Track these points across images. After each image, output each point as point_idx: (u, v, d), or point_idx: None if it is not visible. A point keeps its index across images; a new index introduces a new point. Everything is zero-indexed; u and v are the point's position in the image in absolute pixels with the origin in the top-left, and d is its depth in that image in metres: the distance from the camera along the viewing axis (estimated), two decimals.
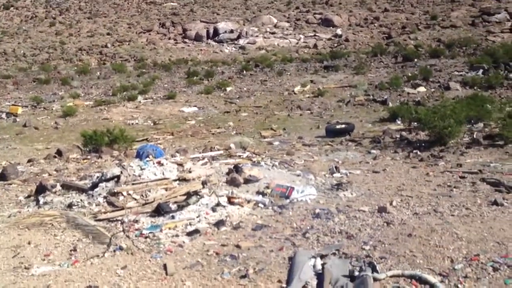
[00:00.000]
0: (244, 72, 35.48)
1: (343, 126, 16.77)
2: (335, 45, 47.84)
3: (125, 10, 67.26)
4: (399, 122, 17.54)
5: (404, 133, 14.63)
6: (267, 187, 8.36)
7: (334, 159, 11.78)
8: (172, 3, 68.11)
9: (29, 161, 14.84)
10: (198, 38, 55.14)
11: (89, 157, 14.82)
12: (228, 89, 28.94)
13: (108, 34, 58.29)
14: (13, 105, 26.85)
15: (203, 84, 31.66)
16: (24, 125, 22.51)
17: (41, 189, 9.02)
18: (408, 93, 23.27)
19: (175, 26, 59.29)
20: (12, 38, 59.40)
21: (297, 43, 50.19)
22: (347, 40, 48.71)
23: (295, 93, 26.68)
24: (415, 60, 32.73)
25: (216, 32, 55.28)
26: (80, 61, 49.36)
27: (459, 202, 7.22)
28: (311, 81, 29.22)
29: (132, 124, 22.17)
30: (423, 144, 12.78)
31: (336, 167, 10.20)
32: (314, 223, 6.59)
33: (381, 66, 32.70)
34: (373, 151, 12.72)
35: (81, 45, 54.84)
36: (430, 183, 8.73)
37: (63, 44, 55.69)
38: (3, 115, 24.66)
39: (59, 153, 15.97)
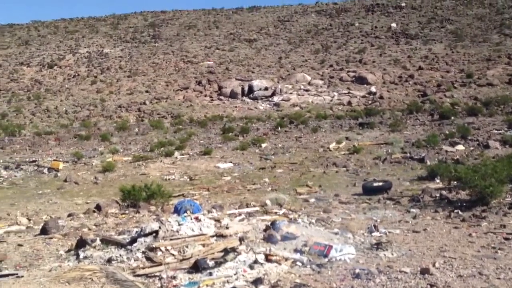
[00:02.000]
0: (279, 128, 35.81)
1: (380, 183, 16.50)
2: (370, 102, 48.01)
3: (163, 69, 69.45)
4: (438, 180, 17.15)
5: (444, 192, 14.27)
6: (305, 245, 8.27)
7: (373, 217, 11.57)
8: (208, 62, 70.05)
9: (69, 215, 15.10)
10: (233, 95, 56.23)
11: (127, 212, 14.98)
12: (263, 145, 29.15)
13: (146, 91, 60.07)
14: (54, 160, 27.59)
15: (238, 140, 32.02)
16: (65, 180, 23.01)
17: (81, 244, 9.16)
18: (446, 151, 22.95)
19: (211, 83, 60.72)
20: (55, 96, 61.78)
21: (331, 100, 50.59)
22: (381, 97, 48.87)
23: (330, 150, 26.66)
24: (452, 118, 32.46)
25: (251, 89, 56.32)
26: (119, 117, 50.80)
27: (505, 265, 6.98)
28: (346, 138, 29.22)
29: (169, 179, 22.41)
30: (464, 204, 12.43)
31: (375, 226, 10.02)
32: (354, 284, 6.45)
33: (417, 124, 32.54)
34: (412, 210, 12.43)
35: (121, 102, 56.58)
36: (474, 244, 8.47)
37: (103, 101, 57.57)
38: (45, 170, 25.31)
39: (98, 207, 16.24)
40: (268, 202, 14.04)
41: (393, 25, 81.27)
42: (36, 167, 26.09)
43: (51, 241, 10.42)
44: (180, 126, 42.43)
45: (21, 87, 66.81)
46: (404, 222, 10.96)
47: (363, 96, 50.53)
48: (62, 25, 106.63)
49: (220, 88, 58.53)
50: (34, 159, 28.63)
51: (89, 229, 11.69)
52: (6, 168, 26.01)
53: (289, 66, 65.16)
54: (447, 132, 27.16)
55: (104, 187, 21.98)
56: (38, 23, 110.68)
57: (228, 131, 35.33)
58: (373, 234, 9.58)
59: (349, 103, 48.54)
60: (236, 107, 52.26)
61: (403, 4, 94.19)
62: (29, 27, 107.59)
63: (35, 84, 67.77)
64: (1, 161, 28.40)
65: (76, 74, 70.45)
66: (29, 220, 15.51)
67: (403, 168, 21.04)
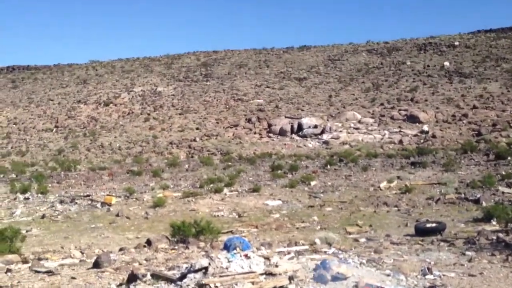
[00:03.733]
0: (328, 166, 35.55)
1: (433, 224, 16.10)
2: (422, 141, 47.11)
3: (213, 106, 70.71)
4: (494, 222, 16.55)
5: (500, 235, 13.71)
6: (356, 286, 8.09)
7: (426, 259, 11.22)
8: (258, 100, 70.86)
9: (120, 249, 15.34)
10: (282, 133, 56.45)
11: (176, 247, 15.09)
12: (312, 183, 28.95)
13: (197, 128, 61.18)
14: (107, 195, 28.30)
15: (287, 178, 31.94)
16: (117, 215, 23.50)
17: (132, 278, 9.26)
18: (503, 193, 22.12)
19: (260, 121, 61.24)
20: (110, 132, 63.82)
21: (381, 139, 49.95)
22: (434, 136, 47.88)
23: (381, 189, 26.19)
24: (508, 158, 31.38)
25: (300, 127, 56.42)
26: (170, 154, 51.79)
27: None
28: (398, 177, 28.67)
29: (218, 216, 22.51)
30: None
31: (428, 268, 9.73)
32: None
33: (472, 164, 31.61)
34: (467, 252, 11.95)
35: (172, 139, 57.78)
36: None
37: (155, 138, 58.97)
38: (98, 205, 25.95)
39: (148, 242, 16.45)
40: (317, 240, 13.86)
41: (446, 63, 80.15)
42: (90, 202, 26.81)
43: (103, 275, 10.59)
44: (229, 163, 42.80)
45: (78, 124, 69.47)
46: (459, 265, 10.58)
47: (415, 135, 49.66)
48: (119, 64, 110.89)
49: (269, 125, 58.94)
50: (88, 193, 29.47)
51: (140, 264, 11.82)
52: (61, 202, 26.85)
53: (339, 104, 65.06)
54: (503, 172, 26.24)
55: (155, 222, 22.28)
56: (96, 62, 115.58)
57: (277, 169, 35.34)
58: (426, 276, 9.32)
59: (401, 141, 47.78)
60: (285, 144, 52.38)
61: (456, 43, 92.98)
62: (88, 66, 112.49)
63: (91, 121, 70.33)
64: (57, 195, 29.37)
65: (131, 112, 72.68)
66: (82, 253, 15.85)
67: (457, 209, 20.41)
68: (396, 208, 21.41)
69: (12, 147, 61.50)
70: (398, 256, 11.53)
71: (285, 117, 60.39)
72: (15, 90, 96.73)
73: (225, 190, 28.74)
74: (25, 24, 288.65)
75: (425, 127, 50.79)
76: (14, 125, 71.93)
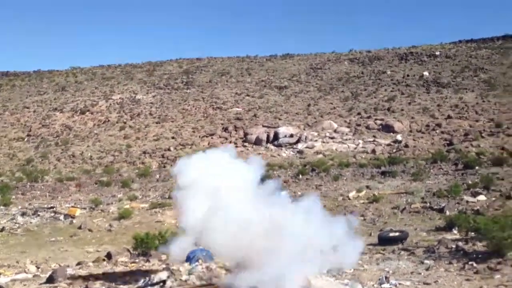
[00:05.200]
0: (300, 176, 35.40)
1: (396, 234, 16.54)
2: (394, 151, 47.24)
3: (192, 115, 70.26)
4: (455, 231, 16.84)
5: (460, 244, 13.96)
6: None
7: (385, 268, 11.52)
8: (237, 109, 70.61)
9: (78, 264, 15.06)
10: (258, 142, 56.20)
11: (137, 260, 14.88)
12: (282, 193, 28.67)
13: (172, 137, 60.63)
14: (72, 207, 27.70)
15: (258, 187, 31.61)
16: (79, 227, 23.04)
17: None
18: (467, 202, 22.28)
19: (237, 130, 60.95)
20: (83, 142, 62.90)
21: (355, 148, 49.98)
22: (406, 146, 48.03)
23: (349, 199, 26.13)
24: (476, 167, 31.58)
25: (276, 136, 56.23)
26: (142, 164, 51.13)
27: None
28: (367, 187, 28.64)
29: (183, 227, 22.12)
30: (479, 255, 12.16)
31: (386, 277, 10.12)
32: None
33: (441, 173, 31.75)
34: (426, 261, 12.27)
35: (146, 148, 57.09)
36: None
37: (129, 147, 58.21)
38: (61, 217, 25.39)
39: (108, 256, 16.09)
40: None
41: (425, 73, 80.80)
42: (53, 214, 26.22)
43: None
44: None
45: (51, 133, 68.40)
46: (416, 274, 10.87)
47: (388, 145, 49.78)
48: (100, 71, 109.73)
49: (245, 134, 58.65)
50: (52, 205, 28.79)
51: (97, 278, 11.59)
52: (23, 214, 26.20)
53: (317, 113, 65.09)
54: (470, 182, 26.37)
55: (118, 234, 21.91)
56: (77, 69, 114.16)
57: None
58: (383, 286, 9.78)
59: (373, 151, 47.85)
60: (259, 154, 52.09)
61: (437, 53, 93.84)
62: (68, 73, 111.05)
63: (65, 130, 69.31)
64: (20, 207, 28.66)
65: (107, 120, 71.86)
66: (38, 268, 15.46)
67: (421, 218, 20.53)
68: (362, 218, 21.34)
69: None
70: (359, 266, 11.57)
71: (262, 126, 60.20)
72: None
73: None
74: (6, 30, 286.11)
75: (399, 137, 50.98)
76: None
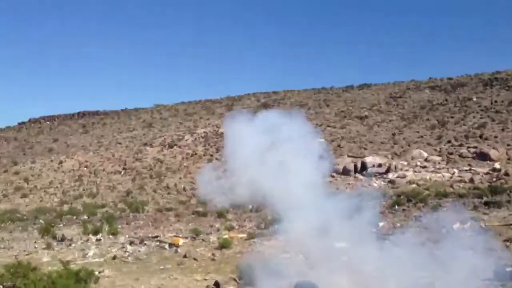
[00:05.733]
0: (396, 207, 34.62)
1: None
2: (494, 179, 45.12)
3: None
4: None
5: None
6: None
7: None
8: (320, 140, 70.51)
9: None
10: (345, 172, 55.69)
11: None
12: (380, 224, 28.17)
13: None
14: (175, 236, 28.76)
15: (354, 218, 31.25)
16: (185, 256, 23.75)
17: None
18: None
19: (322, 161, 60.72)
20: (174, 174, 65.24)
21: (451, 177, 48.26)
22: (507, 174, 45.76)
23: (454, 230, 25.12)
24: None
25: (363, 166, 55.52)
26: (233, 195, 52.02)
27: None
28: (471, 218, 27.42)
29: (284, 257, 22.26)
30: None
31: None
32: None
33: None
34: None
35: (235, 180, 58.15)
36: None
37: (219, 178, 59.53)
38: (166, 246, 26.36)
39: (217, 284, 16.52)
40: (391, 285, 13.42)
41: None
42: (158, 243, 27.29)
43: None
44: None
45: (144, 166, 71.54)
46: None
47: (487, 173, 47.67)
48: (182, 107, 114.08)
49: (332, 165, 58.34)
50: (156, 234, 30.03)
51: None
52: (131, 243, 27.49)
53: (404, 142, 63.74)
54: None
55: (221, 263, 22.33)
56: (161, 106, 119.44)
57: (342, 209, 34.70)
58: None
59: (471, 180, 45.95)
60: (349, 184, 51.58)
61: None
62: (153, 110, 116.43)
63: (157, 163, 72.27)
64: (127, 236, 30.12)
65: (194, 153, 74.18)
66: None
67: None
68: (472, 251, 20.42)
69: (83, 189, 64.02)
70: None
71: (348, 156, 59.70)
72: (86, 134, 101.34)
73: (290, 231, 28.41)
74: (93, 71, 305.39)
75: (497, 165, 48.71)
76: (85, 168, 75.00)
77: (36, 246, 28.15)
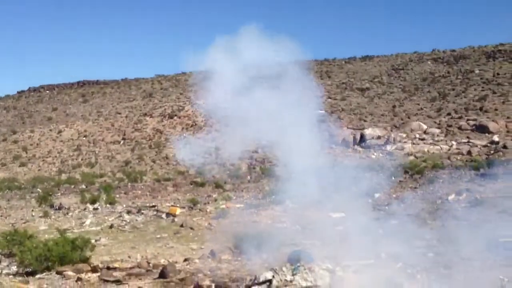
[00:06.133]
0: (393, 178, 34.69)
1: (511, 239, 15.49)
2: (492, 152, 45.12)
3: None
4: None
5: None
6: None
7: (499, 276, 10.77)
8: (320, 111, 70.27)
9: (185, 260, 15.59)
10: (344, 143, 55.64)
11: (239, 258, 15.15)
12: (376, 195, 28.30)
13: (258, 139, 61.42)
14: (172, 206, 28.92)
15: (351, 190, 31.35)
16: (181, 225, 23.93)
17: None
18: None
19: (322, 132, 60.58)
20: (173, 144, 65.23)
21: (449, 150, 48.24)
22: (505, 147, 45.72)
23: (449, 202, 25.27)
24: None
25: (363, 138, 55.45)
26: (231, 165, 52.20)
27: None
28: (467, 190, 27.55)
29: (280, 227, 22.41)
30: None
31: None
32: None
33: None
34: None
35: (234, 150, 58.22)
36: None
37: (218, 149, 59.59)
38: (163, 215, 26.54)
39: (212, 253, 16.63)
40: (383, 254, 13.50)
41: None
42: (155, 212, 27.46)
43: (169, 285, 10.75)
44: (292, 174, 42.57)
45: (144, 136, 71.48)
46: None
47: (485, 146, 47.63)
48: (183, 78, 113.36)
49: (331, 136, 58.27)
50: (153, 204, 30.20)
51: (205, 275, 11.94)
52: (128, 212, 27.67)
53: (404, 114, 63.51)
54: None
55: (218, 233, 22.47)
56: (161, 77, 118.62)
57: (339, 181, 34.79)
58: None
59: (469, 152, 45.95)
60: (347, 155, 51.60)
61: None
62: (153, 80, 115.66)
63: (156, 134, 72.19)
64: (125, 206, 30.30)
65: (194, 124, 74.03)
66: (149, 263, 16.23)
67: None
68: (465, 222, 20.51)
69: (82, 159, 64.13)
70: (469, 272, 11.04)
71: (347, 127, 59.56)
72: (85, 104, 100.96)
73: (287, 201, 28.56)
74: (94, 40, 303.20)
75: (496, 138, 48.64)
76: (84, 138, 74.99)
77: (34, 215, 28.35)
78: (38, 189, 40.76)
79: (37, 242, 16.49)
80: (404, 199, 26.67)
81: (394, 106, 68.36)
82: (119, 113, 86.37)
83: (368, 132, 55.81)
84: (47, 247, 15.33)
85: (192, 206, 28.87)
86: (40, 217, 27.25)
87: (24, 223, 25.64)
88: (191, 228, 23.49)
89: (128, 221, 25.45)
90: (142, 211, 27.59)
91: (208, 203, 30.48)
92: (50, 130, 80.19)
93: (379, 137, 54.38)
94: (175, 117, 78.16)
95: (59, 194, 38.08)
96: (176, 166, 55.10)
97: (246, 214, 26.54)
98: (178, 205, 29.50)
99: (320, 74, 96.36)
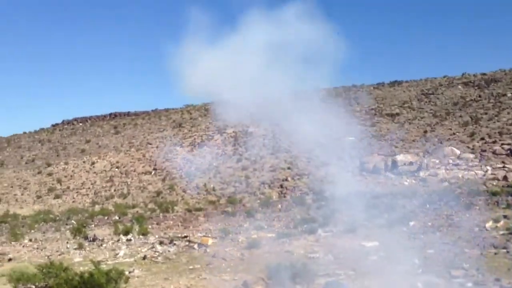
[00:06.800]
0: (427, 205, 34.06)
1: None
2: None
3: (304, 145, 70.59)
4: None
5: None
6: None
7: None
8: (350, 138, 69.88)
9: None
10: (375, 170, 55.05)
11: None
12: (411, 223, 27.83)
13: (288, 168, 61.28)
14: (204, 236, 28.94)
15: (384, 217, 30.89)
16: (213, 256, 23.89)
17: None
18: None
19: (352, 159, 60.17)
20: (204, 174, 65.54)
21: (484, 175, 47.16)
22: None
23: (486, 229, 24.63)
24: None
25: (394, 164, 54.78)
26: (262, 194, 52.16)
27: None
28: (504, 217, 26.84)
29: (313, 257, 22.19)
30: None
31: None
32: None
33: None
34: None
35: (264, 179, 58.22)
36: None
37: (248, 178, 59.72)
38: (195, 246, 26.55)
39: (245, 284, 16.54)
40: (420, 285, 13.21)
41: None
42: (187, 243, 27.51)
43: None
44: (323, 203, 42.21)
45: (174, 166, 72.08)
46: None
47: None
48: (212, 107, 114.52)
49: (361, 163, 57.77)
50: (185, 234, 30.27)
51: None
52: (161, 243, 27.79)
53: (436, 140, 62.55)
54: None
55: (250, 263, 22.34)
56: (190, 106, 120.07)
57: (372, 208, 34.30)
58: None
59: (505, 178, 44.78)
60: (379, 182, 50.98)
61: None
62: (183, 110, 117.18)
63: (187, 163, 72.74)
64: (157, 236, 30.46)
65: (223, 153, 74.42)
66: None
67: None
68: (504, 250, 19.98)
69: (114, 190, 64.95)
70: None
71: (378, 154, 58.96)
72: (117, 135, 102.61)
73: (319, 230, 28.34)
74: (124, 73, 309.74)
75: None
76: (116, 169, 76.05)
77: (68, 246, 28.71)
78: (73, 221, 41.36)
79: (72, 275, 16.72)
80: (440, 227, 26.14)
81: (425, 131, 67.47)
82: (150, 144, 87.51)
83: (399, 158, 55.12)
84: (82, 279, 15.53)
85: (223, 236, 28.83)
86: (75, 249, 27.59)
87: (60, 255, 25.98)
88: (223, 259, 23.42)
89: (160, 252, 25.54)
90: (174, 242, 27.66)
91: (240, 232, 30.38)
92: (84, 162, 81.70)
93: (411, 163, 53.60)
94: (205, 147, 78.71)
95: (93, 225, 38.55)
96: (206, 195, 55.33)
97: (278, 243, 26.36)
98: (209, 235, 29.50)
99: (349, 101, 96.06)
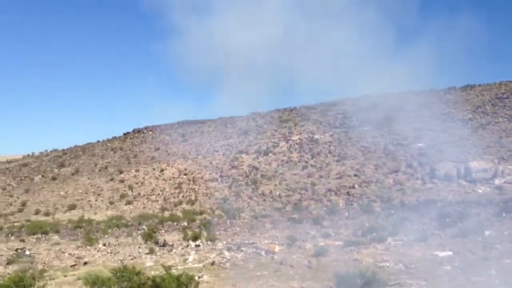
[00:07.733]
0: (504, 214, 32.49)
1: None
2: None
3: (371, 152, 69.35)
4: None
5: None
6: None
7: None
8: (419, 144, 68.03)
9: None
10: (447, 178, 53.21)
11: None
12: (487, 233, 26.62)
13: (355, 175, 60.38)
14: (271, 243, 28.97)
15: (457, 226, 29.78)
16: (281, 263, 23.84)
17: None
18: None
19: (422, 166, 58.55)
20: (270, 181, 65.73)
21: None
22: None
23: None
24: None
25: (467, 171, 52.75)
26: (329, 201, 51.65)
27: None
28: None
29: (383, 266, 21.67)
30: None
31: None
32: None
33: None
34: None
35: (330, 186, 57.66)
36: None
37: (314, 185, 59.35)
38: (263, 252, 26.61)
39: None
40: None
41: None
42: (254, 249, 27.62)
43: None
44: (392, 211, 41.28)
45: (240, 173, 72.76)
46: None
47: None
48: (277, 115, 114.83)
49: (432, 170, 56.02)
50: (252, 241, 30.42)
51: None
52: (228, 249, 28.08)
53: (511, 145, 59.75)
54: None
55: (318, 271, 22.12)
56: (256, 114, 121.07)
57: (445, 217, 33.20)
58: None
59: None
60: (451, 190, 49.21)
61: None
62: (248, 118, 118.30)
63: (252, 170, 73.25)
64: (224, 242, 30.81)
65: (289, 160, 74.36)
66: None
67: None
68: None
69: (183, 196, 66.36)
70: None
71: (450, 161, 56.96)
72: (185, 143, 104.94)
73: (389, 239, 27.67)
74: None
75: None
76: (184, 176, 77.73)
77: (140, 251, 29.56)
78: (144, 226, 42.61)
79: (145, 279, 17.21)
80: None
81: (500, 137, 64.62)
82: (216, 151, 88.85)
83: (473, 165, 53.05)
84: (154, 283, 15.94)
85: (290, 243, 28.73)
86: (146, 253, 28.36)
87: (132, 259, 26.79)
88: (291, 266, 23.32)
89: (228, 258, 25.80)
90: (242, 248, 27.86)
91: (307, 240, 30.18)
92: (153, 169, 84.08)
93: (485, 170, 51.44)
94: (270, 154, 79.00)
95: (163, 231, 39.54)
96: (272, 202, 55.45)
97: (346, 251, 25.96)
98: (276, 242, 29.49)
99: (418, 106, 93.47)
